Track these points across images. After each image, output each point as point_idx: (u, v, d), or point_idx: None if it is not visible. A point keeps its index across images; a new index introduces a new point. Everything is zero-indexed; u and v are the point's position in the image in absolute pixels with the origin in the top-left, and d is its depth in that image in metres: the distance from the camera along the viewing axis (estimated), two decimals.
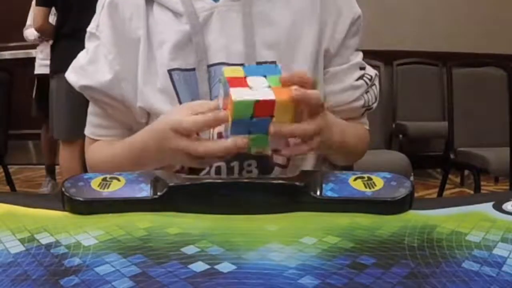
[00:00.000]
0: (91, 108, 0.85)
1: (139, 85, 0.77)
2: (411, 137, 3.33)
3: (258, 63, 0.75)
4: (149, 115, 0.79)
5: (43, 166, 3.37)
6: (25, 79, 3.57)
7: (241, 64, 0.73)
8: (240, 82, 0.57)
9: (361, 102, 0.83)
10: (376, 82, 0.86)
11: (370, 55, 2.74)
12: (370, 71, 0.85)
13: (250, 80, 0.58)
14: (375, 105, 0.86)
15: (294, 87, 0.58)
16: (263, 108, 0.56)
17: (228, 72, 0.59)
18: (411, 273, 0.38)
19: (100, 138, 0.85)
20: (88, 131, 0.86)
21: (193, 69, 0.75)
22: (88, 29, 0.81)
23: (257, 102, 0.55)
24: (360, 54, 0.85)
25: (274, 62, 0.75)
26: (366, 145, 0.88)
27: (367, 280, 0.36)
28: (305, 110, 0.61)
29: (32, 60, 3.80)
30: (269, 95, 0.56)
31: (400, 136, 3.35)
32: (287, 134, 0.60)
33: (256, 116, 0.56)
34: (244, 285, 0.35)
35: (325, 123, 0.63)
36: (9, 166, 2.89)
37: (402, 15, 3.64)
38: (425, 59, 3.52)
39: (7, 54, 3.82)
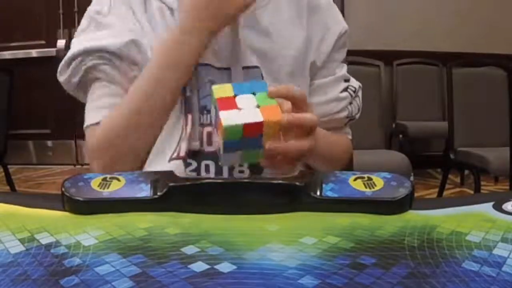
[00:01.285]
0: (91, 96, 0.79)
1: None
2: (411, 137, 3.33)
3: (244, 68, 0.76)
4: None
5: (43, 166, 3.38)
6: (25, 79, 3.57)
7: (227, 69, 0.76)
8: (230, 103, 0.59)
9: (345, 113, 0.86)
10: (360, 94, 0.89)
11: (370, 55, 2.76)
12: (354, 83, 0.88)
13: (239, 99, 0.60)
14: (358, 115, 0.89)
15: (286, 106, 0.60)
16: (252, 129, 0.58)
17: (218, 91, 0.60)
18: (411, 273, 0.38)
19: None
20: (94, 118, 0.77)
21: None
22: (96, 8, 0.78)
23: (246, 124, 0.58)
24: (345, 67, 0.88)
25: (258, 67, 0.77)
26: (349, 155, 0.91)
27: (367, 280, 0.36)
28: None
29: (32, 60, 3.81)
30: (257, 117, 0.58)
31: (400, 136, 3.35)
32: (281, 152, 0.61)
33: (245, 136, 0.59)
34: (244, 285, 0.35)
35: (316, 140, 0.64)
36: (9, 166, 2.90)
37: (402, 15, 3.64)
38: (425, 59, 3.53)
39: (7, 54, 3.82)
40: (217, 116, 0.60)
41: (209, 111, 0.75)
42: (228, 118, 0.58)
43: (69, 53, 0.78)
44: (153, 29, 0.77)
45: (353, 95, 0.86)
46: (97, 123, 0.77)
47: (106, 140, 0.75)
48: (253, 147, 0.60)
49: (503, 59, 3.00)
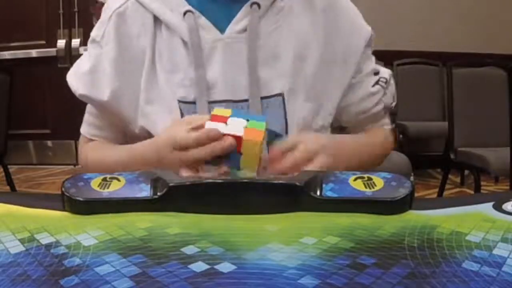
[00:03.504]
0: (88, 107, 0.85)
1: (141, 103, 0.76)
2: (411, 137, 3.33)
3: (263, 98, 0.74)
4: (149, 135, 0.78)
5: (43, 166, 3.37)
6: (25, 79, 3.57)
7: (246, 100, 0.74)
8: (221, 119, 0.63)
9: (381, 106, 0.84)
10: (392, 82, 0.86)
11: None
12: (385, 73, 0.85)
13: (231, 120, 0.63)
14: (394, 104, 0.87)
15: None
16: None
17: (216, 111, 0.64)
18: (411, 273, 0.38)
19: (94, 138, 0.85)
20: (83, 129, 0.86)
21: (194, 103, 0.75)
22: (92, 34, 0.80)
23: (225, 135, 0.61)
24: (373, 58, 0.85)
25: (280, 95, 0.75)
26: (389, 146, 0.89)
27: (367, 280, 0.36)
28: None
29: (32, 60, 3.81)
30: (238, 132, 0.61)
31: (400, 136, 3.35)
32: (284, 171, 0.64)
33: None
34: (244, 285, 0.35)
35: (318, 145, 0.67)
36: (9, 166, 2.90)
37: (402, 15, 3.64)
38: (425, 59, 3.53)
39: (7, 54, 3.82)
40: None
41: None
42: (211, 126, 0.62)
43: (69, 78, 0.81)
44: (160, 55, 0.76)
45: (385, 86, 0.84)
46: (85, 136, 0.87)
47: (88, 169, 0.83)
48: (234, 165, 0.63)
49: (503, 59, 2.99)
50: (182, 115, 0.75)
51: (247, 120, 0.63)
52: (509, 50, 3.49)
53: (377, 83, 0.83)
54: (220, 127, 0.62)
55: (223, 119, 0.63)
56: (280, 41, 0.76)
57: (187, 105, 0.75)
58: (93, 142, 0.85)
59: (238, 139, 0.61)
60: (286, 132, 0.76)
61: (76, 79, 0.80)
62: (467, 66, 2.65)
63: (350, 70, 0.80)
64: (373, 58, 0.85)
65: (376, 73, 0.84)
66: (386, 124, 0.90)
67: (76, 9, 3.76)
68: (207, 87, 0.74)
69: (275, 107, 0.75)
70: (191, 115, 0.71)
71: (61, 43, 3.79)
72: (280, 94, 0.75)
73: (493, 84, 2.58)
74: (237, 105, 0.75)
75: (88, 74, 0.78)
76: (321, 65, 0.77)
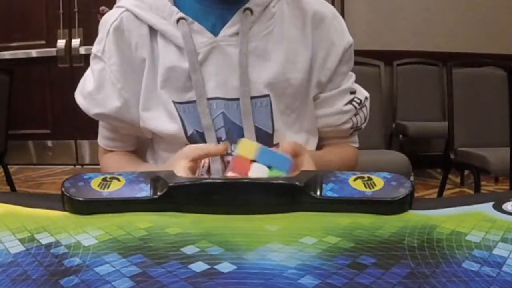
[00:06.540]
0: (102, 122, 0.89)
1: (140, 110, 0.80)
2: (411, 137, 3.33)
3: (252, 98, 0.77)
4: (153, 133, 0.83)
5: (43, 166, 3.37)
6: (25, 79, 3.57)
7: (237, 99, 0.77)
8: (244, 167, 0.62)
9: (348, 125, 0.87)
10: (367, 104, 0.89)
11: (370, 55, 2.75)
12: (360, 94, 0.88)
13: (253, 167, 0.62)
14: (364, 125, 0.90)
15: None
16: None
17: (242, 148, 0.64)
18: (411, 273, 0.38)
19: (112, 149, 0.90)
20: (100, 142, 0.91)
21: (194, 101, 0.78)
22: (93, 50, 0.82)
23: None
24: (352, 78, 0.88)
25: (267, 96, 0.78)
26: (354, 164, 0.92)
27: (367, 280, 0.36)
28: None
29: (32, 60, 3.81)
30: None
31: (400, 136, 3.35)
32: None
33: None
34: (244, 285, 0.35)
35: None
36: (9, 166, 2.89)
37: (402, 15, 3.64)
38: (425, 59, 3.52)
39: (7, 54, 3.82)
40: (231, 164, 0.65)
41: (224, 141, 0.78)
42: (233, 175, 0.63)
43: (77, 95, 0.84)
44: (157, 64, 0.78)
45: (358, 107, 0.86)
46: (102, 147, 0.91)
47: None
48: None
49: (503, 59, 2.99)
50: (179, 115, 0.78)
51: (269, 167, 0.63)
52: (509, 50, 3.49)
53: (350, 102, 0.85)
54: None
55: (246, 168, 0.62)
56: (271, 45, 0.79)
57: (185, 105, 0.78)
58: (110, 155, 0.90)
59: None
60: (273, 131, 0.79)
61: (84, 99, 0.82)
62: (467, 66, 2.64)
63: (325, 75, 0.82)
64: (353, 77, 0.87)
65: (353, 92, 0.86)
66: (353, 142, 0.92)
67: (76, 9, 3.75)
68: (204, 88, 0.77)
69: (263, 106, 0.78)
70: (189, 147, 0.71)
71: (61, 43, 3.79)
72: (268, 95, 0.78)
73: (493, 84, 2.58)
74: (229, 103, 0.77)
75: (96, 93, 0.81)
76: (307, 69, 0.80)
